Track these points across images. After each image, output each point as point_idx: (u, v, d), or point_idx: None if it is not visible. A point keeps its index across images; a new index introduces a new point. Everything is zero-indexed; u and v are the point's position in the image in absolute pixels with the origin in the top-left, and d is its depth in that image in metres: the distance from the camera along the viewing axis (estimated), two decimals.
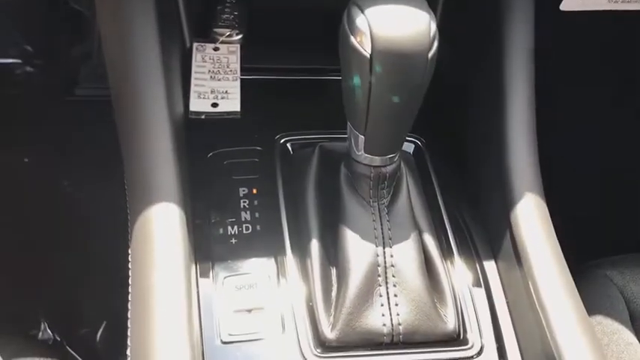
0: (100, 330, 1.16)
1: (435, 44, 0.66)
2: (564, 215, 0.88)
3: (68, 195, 1.27)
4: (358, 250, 0.75)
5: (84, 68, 1.48)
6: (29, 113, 1.40)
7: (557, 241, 0.78)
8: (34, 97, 1.42)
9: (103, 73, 0.83)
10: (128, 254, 0.73)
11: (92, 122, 1.22)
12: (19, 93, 1.41)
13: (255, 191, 0.84)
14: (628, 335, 0.91)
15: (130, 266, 0.71)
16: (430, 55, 0.66)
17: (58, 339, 1.10)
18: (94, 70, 1.43)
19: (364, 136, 0.73)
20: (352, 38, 0.66)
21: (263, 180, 0.84)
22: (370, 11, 0.65)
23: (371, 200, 0.77)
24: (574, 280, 0.76)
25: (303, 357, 0.71)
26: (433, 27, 0.66)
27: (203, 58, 0.93)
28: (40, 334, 1.10)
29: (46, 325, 1.13)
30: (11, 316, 0.97)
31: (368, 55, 0.65)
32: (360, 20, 0.65)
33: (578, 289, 0.75)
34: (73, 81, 1.47)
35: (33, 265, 1.18)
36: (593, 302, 0.76)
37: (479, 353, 0.74)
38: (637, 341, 0.91)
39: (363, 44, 0.65)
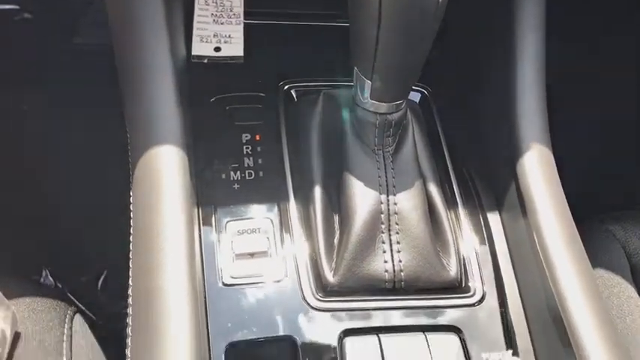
0: (102, 278, 1.16)
1: None
2: (570, 169, 0.87)
3: (65, 141, 1.26)
4: (362, 197, 0.74)
5: (83, 17, 1.45)
6: (26, 61, 1.38)
7: (563, 193, 0.78)
8: (32, 45, 1.39)
9: (102, 21, 0.81)
10: (129, 197, 0.72)
11: (90, 70, 1.19)
12: (16, 40, 1.38)
13: (258, 137, 0.83)
14: (629, 289, 0.91)
15: (131, 208, 0.71)
16: (440, 1, 0.64)
17: (60, 285, 1.10)
18: (94, 18, 1.40)
19: (371, 81, 0.71)
20: None
21: (266, 126, 0.83)
22: None
23: (376, 148, 0.76)
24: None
25: (305, 301, 0.71)
26: None
27: (206, 1, 0.90)
28: (42, 279, 1.10)
29: (47, 272, 1.14)
30: (14, 261, 0.97)
31: (377, 3, 0.63)
32: None
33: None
34: (72, 29, 1.44)
35: (34, 210, 1.18)
36: (595, 256, 0.76)
37: (480, 301, 0.74)
38: (637, 295, 0.92)
39: None
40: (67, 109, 1.30)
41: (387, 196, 0.74)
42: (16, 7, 1.41)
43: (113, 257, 0.80)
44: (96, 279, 1.14)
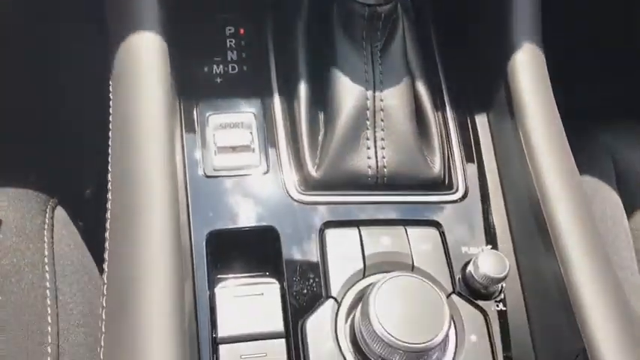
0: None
1: None
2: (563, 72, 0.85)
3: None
4: (347, 92, 0.72)
5: None
6: None
7: (552, 95, 0.76)
8: None
9: None
10: (108, 87, 0.71)
11: None
12: None
13: (242, 31, 0.80)
14: (613, 195, 0.92)
15: (110, 97, 0.69)
16: None
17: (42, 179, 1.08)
18: None
19: None
20: None
21: (251, 19, 0.80)
22: None
23: (364, 42, 0.74)
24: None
25: (288, 194, 0.71)
26: None
27: None
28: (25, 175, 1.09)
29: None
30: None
31: None
32: None
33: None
34: None
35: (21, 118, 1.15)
36: (581, 161, 0.75)
37: (462, 198, 0.74)
38: (620, 201, 0.92)
39: None
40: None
41: (374, 92, 0.73)
42: None
43: (90, 144, 0.78)
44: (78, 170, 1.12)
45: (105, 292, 0.56)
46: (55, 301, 0.69)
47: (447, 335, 0.59)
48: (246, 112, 0.75)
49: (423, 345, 0.58)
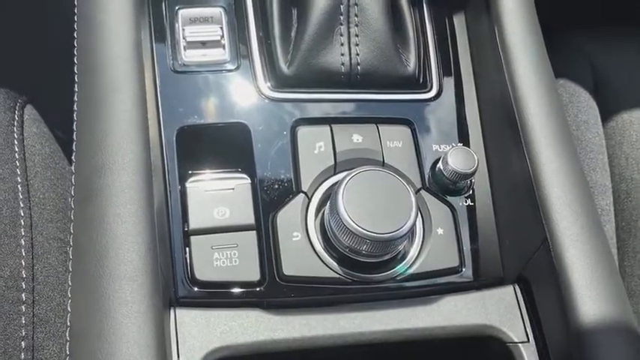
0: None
1: None
2: None
3: None
4: None
5: None
6: None
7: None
8: None
9: None
10: None
11: None
12: None
13: None
14: (589, 100, 0.92)
15: (75, 11, 0.66)
16: None
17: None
18: None
19: None
20: None
21: None
22: None
23: None
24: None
25: (259, 90, 0.70)
26: None
27: None
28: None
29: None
30: None
31: None
32: None
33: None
34: None
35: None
36: (559, 65, 0.75)
37: (436, 97, 0.74)
38: (596, 106, 0.92)
39: None
40: None
41: None
42: None
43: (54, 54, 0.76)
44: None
45: (73, 181, 0.56)
46: (28, 196, 0.69)
47: (413, 225, 0.61)
48: (217, 5, 0.73)
49: (389, 235, 0.59)
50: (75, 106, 0.60)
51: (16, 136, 0.71)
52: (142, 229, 0.54)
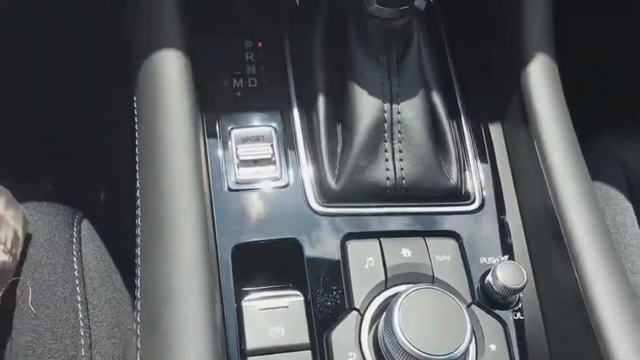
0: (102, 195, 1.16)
1: None
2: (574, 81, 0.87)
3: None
4: (365, 105, 0.74)
5: None
6: None
7: (565, 104, 0.78)
8: None
9: None
10: (133, 104, 0.72)
11: None
12: None
13: (260, 44, 0.81)
14: (624, 201, 0.93)
15: (135, 113, 0.70)
16: None
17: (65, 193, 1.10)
18: None
19: None
20: None
21: (268, 32, 0.82)
22: None
23: (380, 56, 0.75)
24: None
25: (309, 206, 0.72)
26: None
27: None
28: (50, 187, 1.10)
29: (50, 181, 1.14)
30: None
31: None
32: None
33: None
34: None
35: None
36: (592, 168, 0.77)
37: (479, 208, 0.76)
38: (632, 207, 0.94)
39: None
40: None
41: (391, 104, 0.74)
42: None
43: (114, 165, 0.80)
44: (99, 188, 1.15)
45: (138, 307, 0.58)
46: (87, 314, 0.71)
47: (468, 346, 0.61)
48: (267, 125, 0.76)
49: (445, 356, 0.59)
50: (138, 230, 0.63)
51: (75, 254, 0.73)
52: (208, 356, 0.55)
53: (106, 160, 0.97)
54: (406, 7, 0.72)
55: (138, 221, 0.63)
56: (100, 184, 1.10)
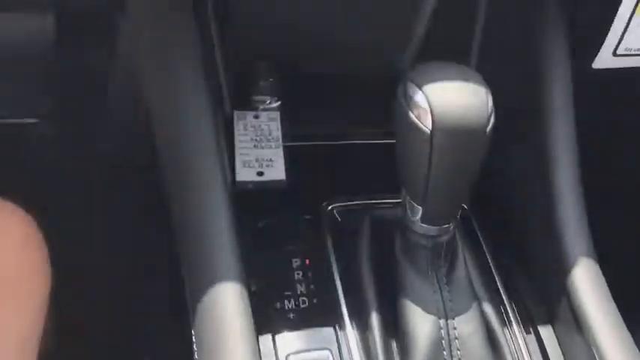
0: None
1: (492, 118, 0.68)
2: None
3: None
4: (421, 323, 0.74)
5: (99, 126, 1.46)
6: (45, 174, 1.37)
7: (614, 304, 0.79)
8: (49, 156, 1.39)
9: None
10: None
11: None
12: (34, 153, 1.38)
13: (307, 262, 0.83)
14: None
15: (195, 348, 0.69)
16: (488, 129, 0.67)
17: None
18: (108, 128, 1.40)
19: (421, 205, 0.73)
20: (411, 114, 0.67)
21: (314, 251, 0.83)
22: (429, 88, 0.66)
23: (429, 271, 0.77)
24: None
25: None
26: (490, 102, 0.68)
27: (245, 126, 0.93)
28: None
29: None
30: None
31: (428, 132, 0.66)
32: (420, 97, 0.67)
33: None
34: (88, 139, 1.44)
35: None
36: None
37: None
38: None
39: (422, 120, 0.66)
40: None
41: (446, 320, 0.74)
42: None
43: None
44: None
45: None
46: None
47: None
48: (323, 348, 0.75)
49: None
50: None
51: None
52: None
53: None
54: (450, 223, 0.76)
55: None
56: None
